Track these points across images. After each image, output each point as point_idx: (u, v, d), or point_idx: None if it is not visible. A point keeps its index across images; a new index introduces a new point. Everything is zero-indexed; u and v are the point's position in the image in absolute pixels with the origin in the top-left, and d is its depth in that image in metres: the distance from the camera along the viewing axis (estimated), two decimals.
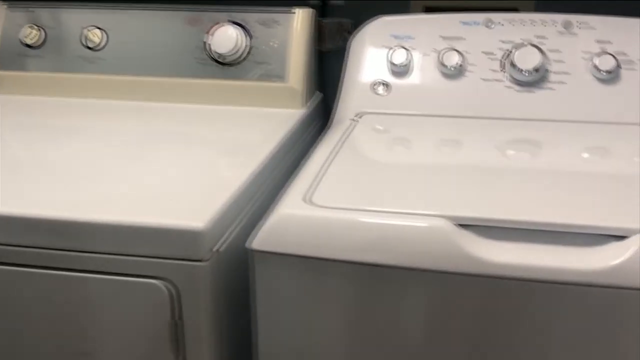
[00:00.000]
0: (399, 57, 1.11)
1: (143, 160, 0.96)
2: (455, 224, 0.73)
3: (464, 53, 1.10)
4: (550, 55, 1.09)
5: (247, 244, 0.76)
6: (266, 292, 0.76)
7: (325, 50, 1.31)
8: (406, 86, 1.11)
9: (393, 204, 0.77)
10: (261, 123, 1.10)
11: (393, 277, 0.73)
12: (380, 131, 1.05)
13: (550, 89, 1.07)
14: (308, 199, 0.78)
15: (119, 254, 0.79)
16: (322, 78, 1.31)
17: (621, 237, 0.71)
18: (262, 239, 0.75)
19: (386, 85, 1.12)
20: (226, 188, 0.85)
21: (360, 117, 1.08)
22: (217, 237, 0.80)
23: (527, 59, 1.07)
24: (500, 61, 1.10)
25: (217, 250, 0.79)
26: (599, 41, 1.08)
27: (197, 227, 0.77)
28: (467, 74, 1.10)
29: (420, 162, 0.91)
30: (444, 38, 1.12)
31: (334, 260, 0.72)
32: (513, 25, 1.11)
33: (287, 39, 1.17)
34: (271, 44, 1.18)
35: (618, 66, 1.05)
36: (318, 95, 1.26)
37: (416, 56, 1.12)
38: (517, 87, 1.08)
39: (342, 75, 1.16)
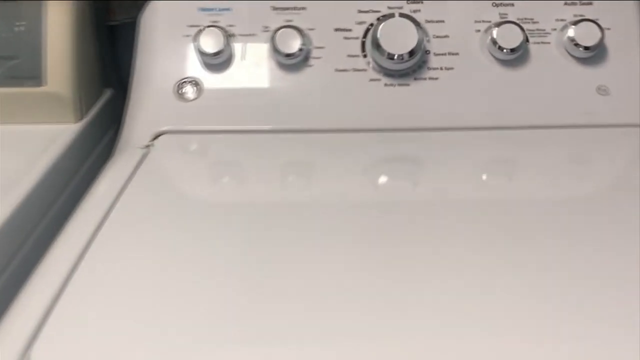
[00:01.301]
0: (212, 41, 0.74)
1: None
2: None
3: (308, 31, 0.74)
4: (429, 28, 0.75)
5: None
6: None
7: (118, 24, 0.92)
8: (225, 86, 0.74)
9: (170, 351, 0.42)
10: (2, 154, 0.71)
11: None
12: (180, 169, 0.68)
13: (433, 78, 0.74)
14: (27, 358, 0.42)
15: None
16: (117, 66, 0.93)
17: None
18: None
19: (196, 84, 0.74)
20: None
21: (157, 141, 0.71)
22: None
23: (398, 37, 0.72)
24: (361, 42, 0.75)
25: None
26: (497, 4, 0.76)
27: None
28: (313, 62, 0.74)
29: (237, 244, 0.55)
30: (277, 9, 0.76)
31: None
32: None
33: (40, 18, 0.77)
34: (17, 28, 0.77)
35: (525, 39, 0.73)
36: (107, 96, 0.87)
37: (238, 39, 0.75)
38: (386, 80, 0.74)
39: (131, 73, 0.77)
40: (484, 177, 0.67)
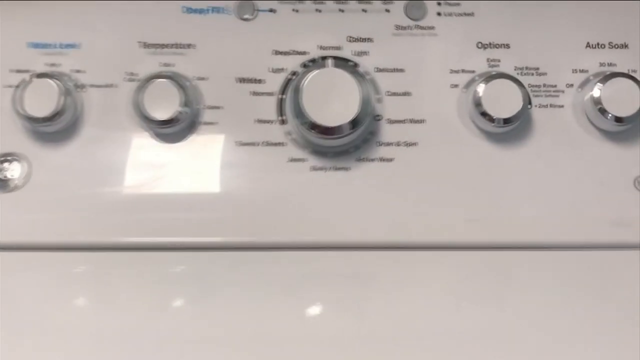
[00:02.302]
0: (43, 98, 0.47)
1: None
2: None
3: (196, 82, 0.49)
4: (382, 80, 0.49)
5: None
6: None
7: None
8: (67, 168, 0.48)
9: None
10: None
11: None
12: None
13: (386, 160, 0.48)
14: None
15: None
16: None
17: None
18: None
19: (20, 165, 0.48)
20: None
21: None
22: None
23: (333, 96, 0.47)
24: (278, 99, 0.49)
25: None
26: (484, 45, 0.50)
27: None
28: (203, 130, 0.48)
29: None
30: (150, 46, 0.49)
31: None
32: (298, 12, 0.50)
33: None
34: None
35: (527, 102, 0.48)
36: None
37: (88, 92, 0.49)
38: (314, 160, 0.48)
39: None
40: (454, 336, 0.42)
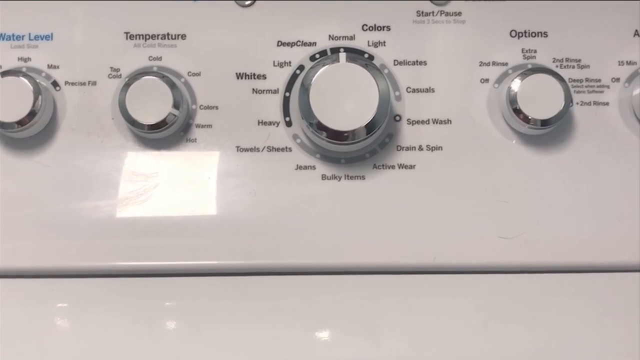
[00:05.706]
0: (12, 100, 0.41)
1: None
2: None
3: (189, 78, 0.42)
4: (401, 75, 0.43)
5: None
6: None
7: None
8: (41, 180, 0.42)
9: None
10: None
11: None
12: None
13: (406, 167, 0.42)
14: None
15: None
16: None
17: None
18: None
19: None
20: None
21: None
22: None
23: (345, 95, 0.40)
24: (283, 98, 0.43)
25: None
26: (519, 33, 0.43)
27: None
28: (198, 135, 0.42)
29: None
30: (135, 37, 0.43)
31: None
32: None
33: None
34: None
35: (569, 100, 0.42)
36: None
37: (65, 92, 0.42)
38: (324, 168, 0.42)
39: None
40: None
